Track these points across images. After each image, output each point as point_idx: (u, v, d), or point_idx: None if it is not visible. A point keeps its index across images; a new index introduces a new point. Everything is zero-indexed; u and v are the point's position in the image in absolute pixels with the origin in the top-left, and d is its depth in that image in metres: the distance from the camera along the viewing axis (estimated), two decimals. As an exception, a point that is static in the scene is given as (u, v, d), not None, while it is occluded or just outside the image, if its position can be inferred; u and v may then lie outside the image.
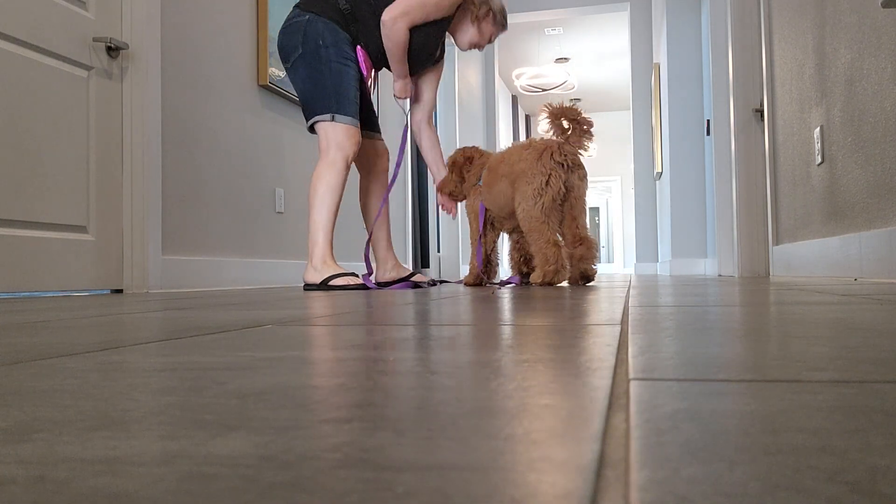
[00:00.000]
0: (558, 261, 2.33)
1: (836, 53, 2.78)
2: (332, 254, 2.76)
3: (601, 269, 17.89)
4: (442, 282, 3.42)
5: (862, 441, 0.26)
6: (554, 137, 2.46)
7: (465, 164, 2.94)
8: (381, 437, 0.28)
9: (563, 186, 2.32)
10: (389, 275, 3.08)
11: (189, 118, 3.15)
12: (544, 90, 10.48)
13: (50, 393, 0.40)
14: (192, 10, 3.20)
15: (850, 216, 2.68)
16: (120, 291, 2.82)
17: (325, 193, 2.73)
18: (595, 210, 19.51)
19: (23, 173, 2.43)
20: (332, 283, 2.66)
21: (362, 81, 2.89)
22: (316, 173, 2.75)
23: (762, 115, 4.45)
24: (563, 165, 2.33)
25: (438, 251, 7.20)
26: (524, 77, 10.16)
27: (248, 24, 3.63)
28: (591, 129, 2.39)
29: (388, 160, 3.12)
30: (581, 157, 2.40)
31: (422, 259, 6.60)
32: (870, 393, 0.35)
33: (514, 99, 12.29)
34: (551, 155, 2.34)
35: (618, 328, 0.72)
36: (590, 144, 2.37)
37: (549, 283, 2.36)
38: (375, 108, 3.23)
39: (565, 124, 2.39)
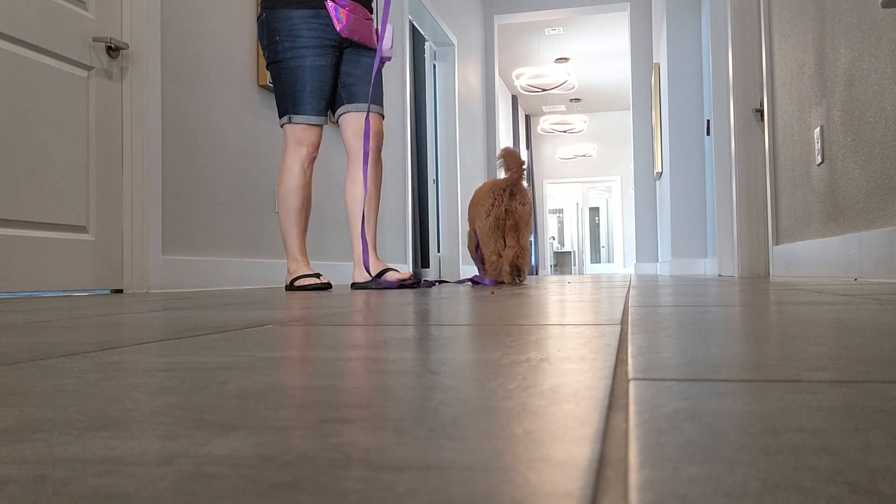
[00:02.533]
0: (498, 267, 3.18)
1: (836, 53, 2.78)
2: (301, 255, 2.81)
3: (601, 269, 17.92)
4: (441, 282, 3.42)
5: (862, 441, 0.26)
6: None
7: None
8: (381, 437, 0.28)
9: (504, 209, 3.12)
10: (363, 273, 2.90)
11: (189, 118, 3.15)
12: (544, 90, 10.48)
13: (50, 393, 0.40)
14: (192, 9, 3.20)
15: (850, 216, 2.68)
16: (120, 291, 2.82)
17: (283, 197, 2.80)
18: (595, 210, 19.51)
19: (23, 173, 2.43)
20: (297, 283, 2.75)
21: (335, 66, 2.82)
22: (280, 174, 2.83)
23: (762, 115, 4.45)
24: (505, 193, 3.13)
25: (438, 251, 7.20)
26: (524, 77, 10.16)
27: (247, 24, 3.63)
28: (522, 167, 3.27)
29: (381, 134, 2.88)
30: (523, 187, 3.23)
31: (422, 259, 6.60)
32: (870, 393, 0.35)
33: (514, 99, 12.29)
34: (499, 187, 3.16)
35: (618, 328, 0.72)
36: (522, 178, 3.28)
37: (498, 281, 3.23)
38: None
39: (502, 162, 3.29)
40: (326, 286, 2.70)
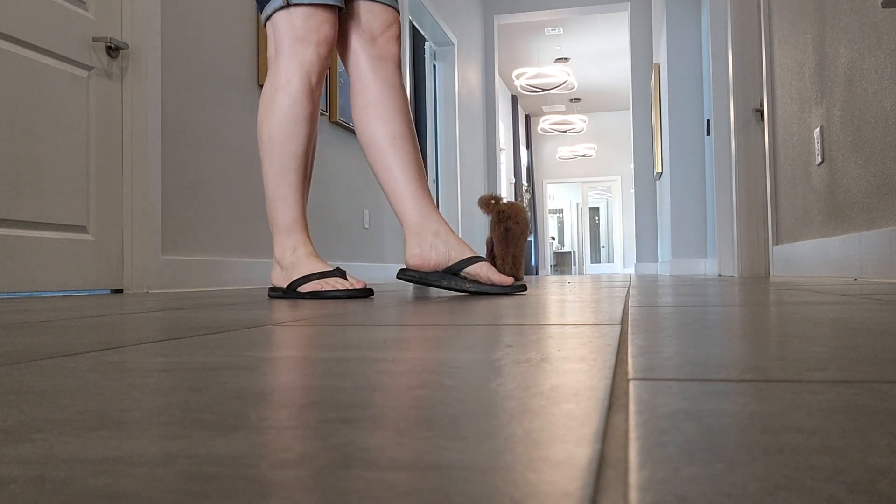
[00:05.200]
0: (503, 269, 4.15)
1: (836, 53, 2.78)
2: (305, 238, 1.74)
3: (601, 269, 17.93)
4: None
5: (862, 441, 0.26)
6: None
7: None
8: (381, 437, 0.28)
9: (504, 228, 4.13)
10: (429, 254, 1.73)
11: (189, 118, 3.15)
12: (544, 90, 10.48)
13: (50, 393, 0.40)
14: (192, 9, 3.20)
15: (850, 216, 2.68)
16: (120, 291, 2.82)
17: (275, 140, 1.69)
18: (595, 210, 19.52)
19: (23, 173, 2.43)
20: (301, 288, 1.68)
21: None
22: (261, 101, 1.72)
23: (762, 115, 4.45)
24: (504, 217, 4.12)
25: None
26: (524, 77, 10.16)
27: (248, 23, 3.63)
28: (493, 203, 4.23)
29: (394, 40, 1.80)
30: (517, 211, 4.17)
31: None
32: (870, 393, 0.35)
33: (514, 99, 12.29)
34: (501, 215, 4.14)
35: (618, 328, 0.72)
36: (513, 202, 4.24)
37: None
38: None
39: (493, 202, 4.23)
40: (366, 293, 1.66)
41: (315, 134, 1.74)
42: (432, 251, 1.72)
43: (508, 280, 1.72)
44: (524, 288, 1.78)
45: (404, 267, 1.78)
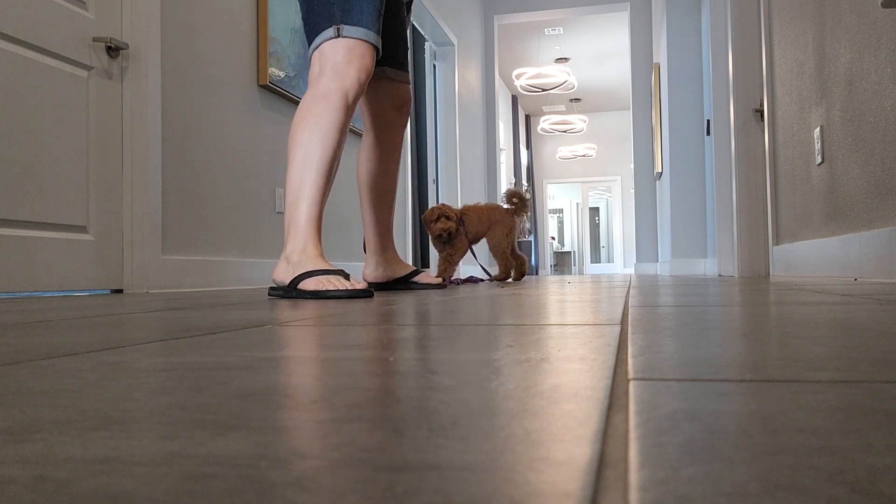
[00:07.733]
0: (509, 270, 4.28)
1: (836, 53, 2.78)
2: (317, 241, 1.85)
3: (601, 269, 17.94)
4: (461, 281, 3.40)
5: (862, 441, 0.26)
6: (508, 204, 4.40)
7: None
8: (381, 437, 0.28)
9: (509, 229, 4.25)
10: (378, 272, 2.47)
11: (189, 118, 3.15)
12: (544, 90, 10.48)
13: (50, 393, 0.40)
14: (192, 10, 3.20)
15: (850, 216, 2.68)
16: (120, 291, 2.82)
17: (308, 143, 1.85)
18: (595, 210, 19.53)
19: (23, 173, 2.43)
20: (303, 284, 1.76)
21: None
22: (298, 112, 1.91)
23: (762, 115, 4.45)
24: (520, 219, 4.26)
25: (438, 251, 7.20)
26: (524, 77, 10.16)
27: (248, 24, 3.63)
28: (527, 203, 4.35)
29: (408, 114, 2.38)
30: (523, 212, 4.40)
31: (422, 259, 6.60)
32: (870, 393, 0.35)
33: (514, 99, 12.29)
34: (515, 214, 4.28)
35: (618, 328, 0.72)
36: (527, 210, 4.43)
37: (504, 279, 4.24)
38: (406, 37, 2.42)
39: (514, 199, 4.28)
40: (367, 293, 1.73)
41: (342, 147, 1.94)
42: (385, 271, 2.46)
43: (437, 280, 2.51)
44: (443, 286, 2.52)
45: (363, 279, 2.50)
